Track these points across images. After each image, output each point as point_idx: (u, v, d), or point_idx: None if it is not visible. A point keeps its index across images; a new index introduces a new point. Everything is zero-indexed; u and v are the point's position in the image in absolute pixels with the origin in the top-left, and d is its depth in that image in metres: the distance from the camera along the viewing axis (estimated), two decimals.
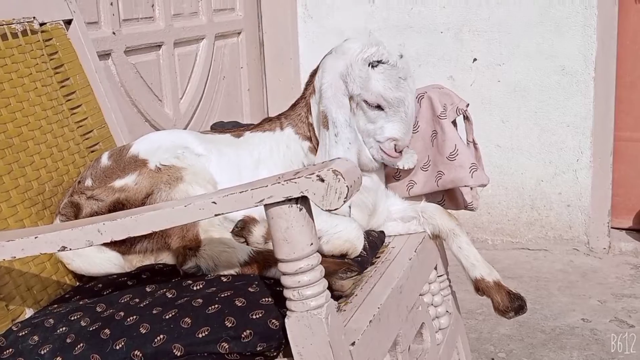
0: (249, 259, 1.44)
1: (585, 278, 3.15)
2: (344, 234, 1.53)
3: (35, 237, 1.23)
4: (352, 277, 1.37)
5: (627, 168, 3.44)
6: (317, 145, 1.66)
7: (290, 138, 1.69)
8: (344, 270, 1.36)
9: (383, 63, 1.61)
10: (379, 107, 1.62)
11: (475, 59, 3.41)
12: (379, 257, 1.66)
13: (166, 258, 1.56)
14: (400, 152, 1.68)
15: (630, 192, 3.46)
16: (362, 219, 1.68)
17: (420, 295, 1.71)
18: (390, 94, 1.61)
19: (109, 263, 1.57)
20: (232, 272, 1.44)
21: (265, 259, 1.43)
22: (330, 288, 1.31)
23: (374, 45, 1.62)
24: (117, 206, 1.52)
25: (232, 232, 1.53)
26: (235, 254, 1.45)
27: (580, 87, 3.29)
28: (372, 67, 1.61)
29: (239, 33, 3.44)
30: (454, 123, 1.80)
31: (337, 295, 1.36)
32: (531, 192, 3.45)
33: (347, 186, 1.12)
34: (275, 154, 1.68)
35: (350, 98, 1.63)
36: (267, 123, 1.74)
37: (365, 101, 1.62)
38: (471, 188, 1.84)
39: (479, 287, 1.72)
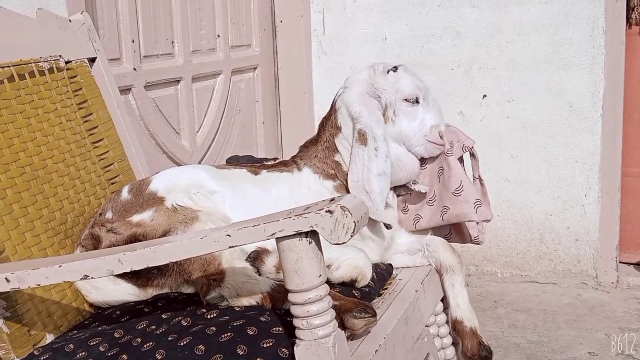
0: (271, 291, 1.48)
1: (593, 312, 3.17)
2: (353, 261, 1.58)
3: (60, 266, 1.29)
4: (365, 317, 1.37)
5: (634, 203, 3.47)
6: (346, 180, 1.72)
7: (310, 179, 1.75)
8: (359, 309, 1.38)
9: (398, 66, 1.77)
10: (416, 101, 1.75)
11: (485, 95, 3.47)
12: (386, 288, 1.71)
13: (184, 287, 1.60)
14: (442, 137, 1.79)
15: (638, 227, 3.47)
16: (377, 253, 1.74)
17: (426, 326, 1.76)
18: (420, 84, 1.78)
19: (126, 295, 1.61)
20: (253, 302, 1.48)
21: (287, 292, 1.47)
22: (342, 325, 1.35)
23: (375, 63, 1.78)
24: (134, 240, 1.55)
25: (245, 261, 1.57)
26: (258, 286, 1.49)
27: (588, 123, 3.33)
28: (394, 71, 1.76)
29: (255, 68, 3.52)
30: (461, 160, 1.87)
31: (348, 334, 1.37)
32: (540, 226, 3.48)
33: (354, 221, 1.18)
34: (296, 193, 1.72)
35: (386, 109, 1.73)
36: (283, 165, 1.79)
37: (405, 99, 1.74)
38: (477, 223, 1.89)
39: (455, 327, 1.79)
